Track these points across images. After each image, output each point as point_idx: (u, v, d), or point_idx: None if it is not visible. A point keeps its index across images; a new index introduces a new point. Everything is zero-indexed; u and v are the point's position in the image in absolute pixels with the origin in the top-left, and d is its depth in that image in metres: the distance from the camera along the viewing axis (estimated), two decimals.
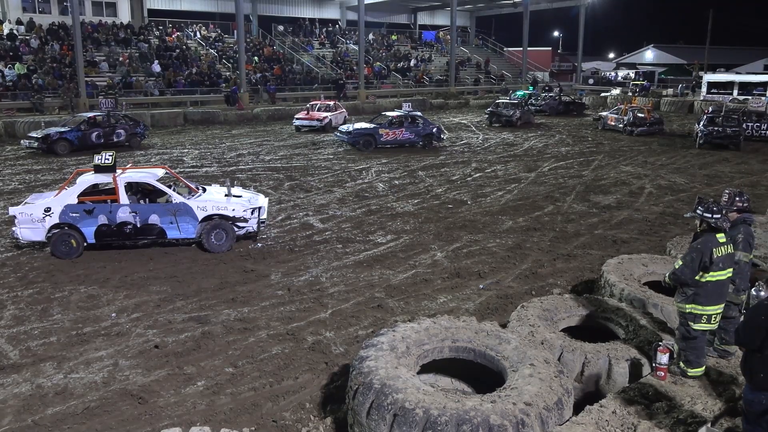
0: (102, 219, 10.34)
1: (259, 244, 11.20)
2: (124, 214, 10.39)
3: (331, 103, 29.73)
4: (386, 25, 57.85)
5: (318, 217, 13.09)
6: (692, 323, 5.72)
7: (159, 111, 30.36)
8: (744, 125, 24.95)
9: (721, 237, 5.68)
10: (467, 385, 6.21)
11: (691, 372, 5.76)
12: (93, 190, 10.73)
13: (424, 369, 5.88)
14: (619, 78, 61.38)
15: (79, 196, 10.37)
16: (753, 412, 4.42)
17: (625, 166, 19.61)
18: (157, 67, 35.78)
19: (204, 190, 11.47)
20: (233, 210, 10.76)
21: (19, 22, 36.22)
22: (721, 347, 6.14)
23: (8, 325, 7.81)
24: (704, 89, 43.16)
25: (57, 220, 10.20)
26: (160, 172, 11.26)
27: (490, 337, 5.91)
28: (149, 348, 7.26)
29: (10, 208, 10.44)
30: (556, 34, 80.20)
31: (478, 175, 18.08)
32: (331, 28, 52.50)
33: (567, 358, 5.93)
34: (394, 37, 54.75)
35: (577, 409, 5.21)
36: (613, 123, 28.93)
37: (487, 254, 10.88)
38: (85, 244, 10.44)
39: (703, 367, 5.82)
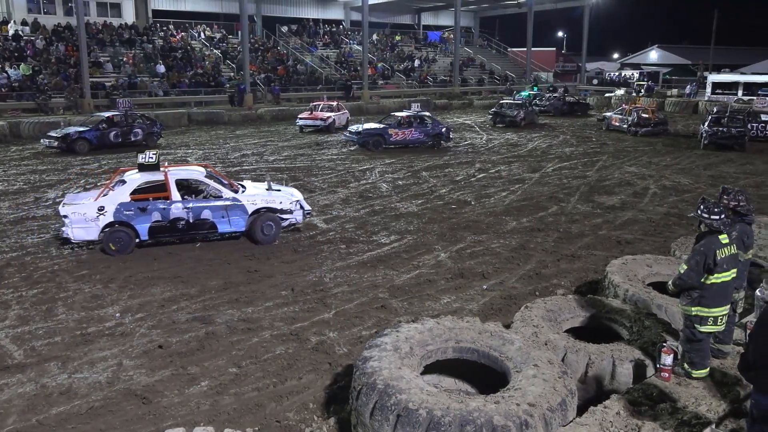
0: (156, 216, 10.54)
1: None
2: (177, 211, 10.65)
3: (334, 103, 29.72)
4: (390, 25, 57.91)
5: (322, 218, 13.10)
6: (698, 326, 5.70)
7: (163, 111, 30.38)
8: (749, 125, 24.89)
9: (723, 238, 5.67)
10: (471, 385, 6.20)
11: (696, 373, 5.74)
12: (144, 187, 10.85)
13: (428, 370, 5.88)
14: (628, 78, 61.23)
15: (131, 194, 10.54)
16: (762, 415, 4.39)
17: (630, 167, 19.58)
18: (161, 68, 35.85)
19: (243, 186, 11.74)
20: (280, 203, 11.31)
21: (24, 23, 36.32)
22: (716, 346, 6.11)
23: (13, 325, 7.83)
24: (709, 90, 43.07)
25: (111, 219, 10.32)
26: (201, 169, 11.45)
27: (494, 337, 5.91)
28: (153, 348, 7.27)
29: (60, 208, 10.39)
30: (560, 34, 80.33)
31: (481, 175, 18.07)
32: (334, 29, 52.56)
33: (571, 359, 5.93)
34: (398, 38, 54.77)
35: (581, 410, 5.20)
36: (617, 123, 28.91)
37: (491, 255, 10.87)
38: (138, 240, 10.62)
39: (708, 369, 5.80)
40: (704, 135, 23.59)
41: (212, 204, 10.93)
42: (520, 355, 5.60)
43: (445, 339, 5.90)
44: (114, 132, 22.01)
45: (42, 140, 21.81)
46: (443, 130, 23.56)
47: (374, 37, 52.24)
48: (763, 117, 26.05)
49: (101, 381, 6.52)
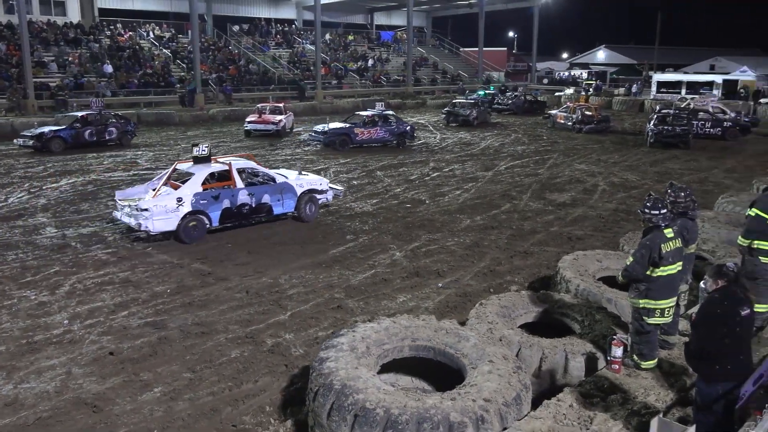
0: (226, 203, 11.45)
1: (229, 245, 11.08)
2: (243, 197, 11.67)
3: (282, 104, 28.31)
4: (343, 25, 57.82)
5: (276, 220, 12.98)
6: (646, 318, 5.87)
7: (112, 112, 29.56)
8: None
9: (668, 232, 5.85)
10: (428, 383, 6.24)
11: (645, 364, 5.91)
12: (210, 178, 11.63)
13: (385, 369, 5.90)
14: (577, 78, 62.56)
15: (201, 185, 11.30)
16: (706, 402, 4.56)
17: (579, 164, 20.00)
18: (108, 68, 35.00)
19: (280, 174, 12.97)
20: (321, 184, 12.94)
21: None
22: (662, 338, 6.30)
23: None
24: (654, 89, 44.36)
25: (190, 208, 10.99)
26: (245, 161, 12.59)
27: (450, 335, 5.96)
28: (104, 355, 7.08)
29: (140, 202, 10.79)
30: (511, 34, 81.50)
31: (435, 174, 18.20)
32: (287, 28, 52.18)
33: (525, 354, 6.02)
34: (351, 38, 54.71)
35: (536, 403, 5.29)
36: (562, 121, 29.73)
37: (446, 253, 10.96)
38: (209, 227, 11.40)
39: (656, 360, 5.98)
40: (650, 133, 24.25)
41: (270, 188, 12.14)
42: (476, 351, 5.66)
43: (401, 338, 5.93)
44: (89, 131, 22.15)
45: (16, 140, 21.77)
46: (408, 128, 23.83)
47: (327, 36, 52.07)
48: (702, 115, 26.93)
49: (49, 390, 6.32)
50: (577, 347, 6.12)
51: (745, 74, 45.22)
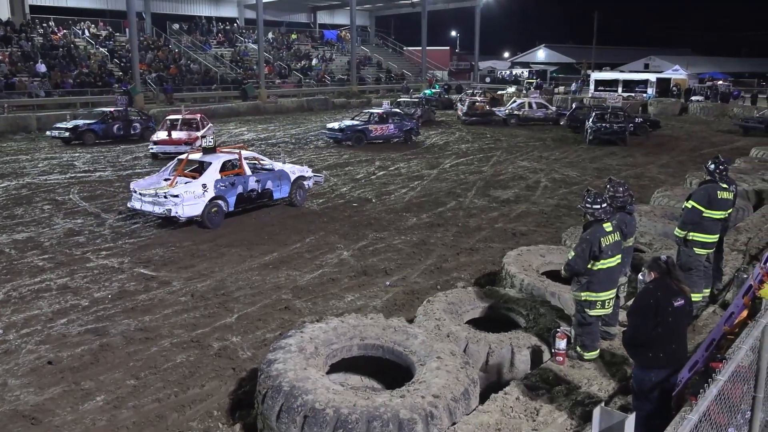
0: (240, 188, 12.47)
1: (173, 248, 10.83)
2: (252, 183, 12.74)
3: (197, 116, 22.40)
4: (286, 24, 57.29)
5: None
6: (588, 310, 6.04)
7: (46, 113, 28.52)
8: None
9: (607, 226, 6.04)
10: (377, 381, 6.26)
11: (587, 355, 6.08)
12: (223, 166, 12.50)
13: (334, 368, 5.89)
14: (518, 76, 63.76)
15: (220, 172, 12.24)
16: (642, 389, 4.72)
17: (522, 161, 20.39)
18: (42, 67, 33.72)
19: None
20: (306, 171, 14.23)
21: None
22: (603, 329, 6.50)
23: None
24: (592, 87, 45.62)
25: (213, 194, 11.91)
26: (248, 151, 14.02)
27: (398, 333, 5.99)
28: (42, 365, 6.83)
29: (171, 189, 11.47)
30: (453, 33, 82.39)
31: (381, 173, 18.26)
32: (228, 27, 51.39)
33: (472, 349, 6.10)
34: (294, 36, 54.30)
35: (483, 397, 5.37)
36: (459, 113, 32.52)
37: (393, 251, 11.01)
38: (226, 211, 12.28)
39: (598, 350, 6.15)
40: (589, 131, 24.90)
41: (272, 175, 13.22)
42: (424, 348, 5.71)
43: (350, 337, 5.93)
44: (117, 125, 24.07)
45: (49, 132, 23.73)
46: (413, 125, 25.19)
47: (270, 35, 51.52)
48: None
49: None
50: (523, 341, 6.24)
51: (677, 73, 47.01)
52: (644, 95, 41.88)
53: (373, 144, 23.93)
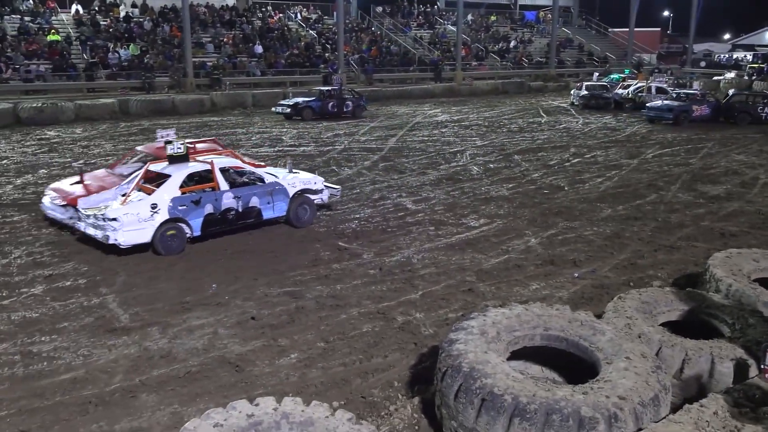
0: (209, 208, 9.92)
1: (354, 225, 11.40)
2: (228, 200, 10.12)
3: (210, 141, 13.63)
4: (485, 5, 56.79)
5: (411, 199, 13.14)
6: None
7: (260, 91, 31.34)
8: None
9: None
10: (558, 374, 6.09)
11: None
12: (189, 180, 10.10)
13: (514, 356, 5.81)
14: (740, 60, 57.46)
15: (180, 188, 9.79)
16: None
17: (738, 155, 18.43)
18: (259, 48, 36.80)
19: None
20: (315, 183, 11.44)
21: (133, 5, 38.19)
22: None
23: (120, 290, 8.35)
24: None
25: (167, 216, 9.48)
26: (228, 158, 11.11)
27: (584, 327, 5.75)
28: (246, 319, 7.55)
29: (106, 211, 9.30)
30: (665, 13, 76.13)
31: (576, 160, 17.54)
32: (429, 9, 52.12)
33: (666, 354, 5.69)
34: (493, 18, 53.70)
35: (675, 408, 5.00)
36: (572, 99, 31.79)
37: (583, 242, 10.57)
38: (190, 236, 9.92)
39: None
40: None
41: (259, 190, 10.54)
42: (612, 346, 5.43)
43: (533, 326, 5.80)
44: (331, 103, 26.18)
45: (273, 108, 26.62)
46: (716, 104, 25.80)
47: (469, 17, 51.42)
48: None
49: (198, 347, 6.84)
50: (726, 351, 5.68)
51: None
52: None
53: (567, 131, 23.02)
